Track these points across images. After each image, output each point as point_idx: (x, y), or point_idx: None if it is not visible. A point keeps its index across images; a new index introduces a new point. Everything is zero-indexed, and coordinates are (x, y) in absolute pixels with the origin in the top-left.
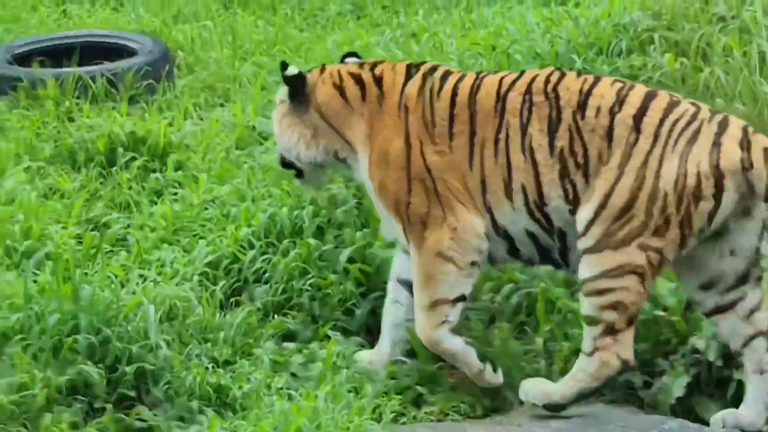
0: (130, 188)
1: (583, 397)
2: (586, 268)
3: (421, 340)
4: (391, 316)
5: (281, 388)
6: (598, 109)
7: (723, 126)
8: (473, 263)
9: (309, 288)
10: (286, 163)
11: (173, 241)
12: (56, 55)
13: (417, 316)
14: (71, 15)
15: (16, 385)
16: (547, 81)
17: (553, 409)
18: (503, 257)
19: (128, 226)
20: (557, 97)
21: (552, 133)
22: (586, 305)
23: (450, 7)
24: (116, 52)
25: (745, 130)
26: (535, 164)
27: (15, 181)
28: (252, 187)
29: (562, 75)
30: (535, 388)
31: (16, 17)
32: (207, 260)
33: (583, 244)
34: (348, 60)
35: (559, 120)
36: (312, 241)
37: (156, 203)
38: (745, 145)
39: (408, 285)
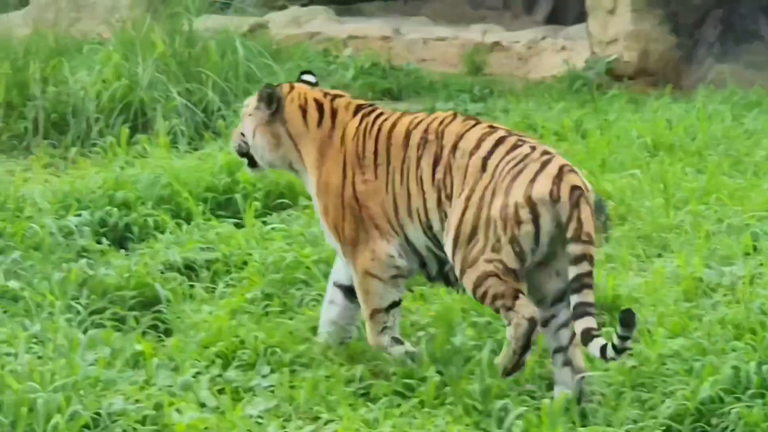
0: None
1: (518, 356)
2: (466, 288)
3: (370, 344)
4: (327, 314)
5: None
6: (464, 151)
7: (544, 165)
8: (394, 276)
9: None
10: (242, 153)
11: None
12: None
13: (366, 325)
14: None
15: None
16: (441, 123)
17: (507, 374)
18: (417, 270)
19: None
20: (443, 137)
21: (434, 167)
22: (487, 305)
23: None
24: None
25: (561, 169)
26: (423, 192)
27: None
28: (712, 341)
29: (454, 119)
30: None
31: None
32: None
33: (455, 270)
34: (304, 77)
35: (441, 157)
36: None
37: None
38: (557, 181)
39: (343, 288)
